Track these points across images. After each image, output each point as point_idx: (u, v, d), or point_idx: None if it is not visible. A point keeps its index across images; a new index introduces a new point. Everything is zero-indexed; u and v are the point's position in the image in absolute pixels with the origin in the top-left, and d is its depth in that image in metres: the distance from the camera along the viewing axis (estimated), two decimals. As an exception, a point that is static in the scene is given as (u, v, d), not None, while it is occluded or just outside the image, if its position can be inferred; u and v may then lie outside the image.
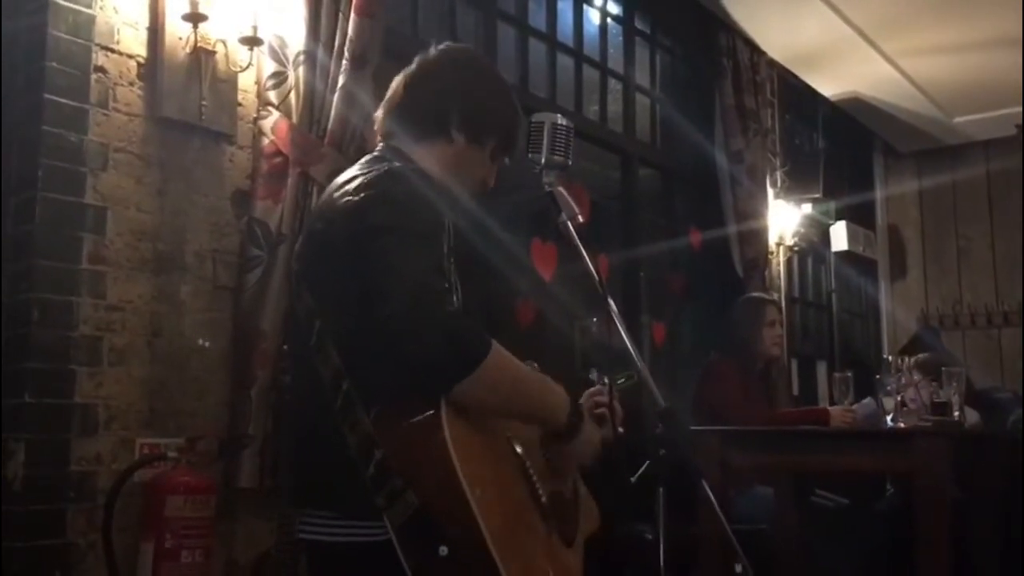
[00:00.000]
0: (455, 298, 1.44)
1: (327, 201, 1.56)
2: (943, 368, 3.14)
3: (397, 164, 1.56)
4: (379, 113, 1.71)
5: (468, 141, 1.66)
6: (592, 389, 1.83)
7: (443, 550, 1.30)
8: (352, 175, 1.56)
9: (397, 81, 1.70)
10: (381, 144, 1.69)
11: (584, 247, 1.60)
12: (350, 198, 1.49)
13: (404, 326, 1.33)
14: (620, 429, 1.70)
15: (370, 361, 1.39)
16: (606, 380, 1.81)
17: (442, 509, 1.31)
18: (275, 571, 2.45)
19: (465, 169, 1.68)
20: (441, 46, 1.73)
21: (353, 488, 1.36)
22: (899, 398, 3.02)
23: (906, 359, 3.19)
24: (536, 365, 1.67)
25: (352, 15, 2.95)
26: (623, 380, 1.81)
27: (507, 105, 1.72)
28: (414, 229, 1.43)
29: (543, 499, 1.56)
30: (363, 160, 1.63)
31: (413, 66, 1.70)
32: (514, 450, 1.55)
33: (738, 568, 1.46)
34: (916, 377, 3.10)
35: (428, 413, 1.36)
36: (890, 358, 3.20)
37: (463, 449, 1.34)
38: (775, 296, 5.00)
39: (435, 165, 1.64)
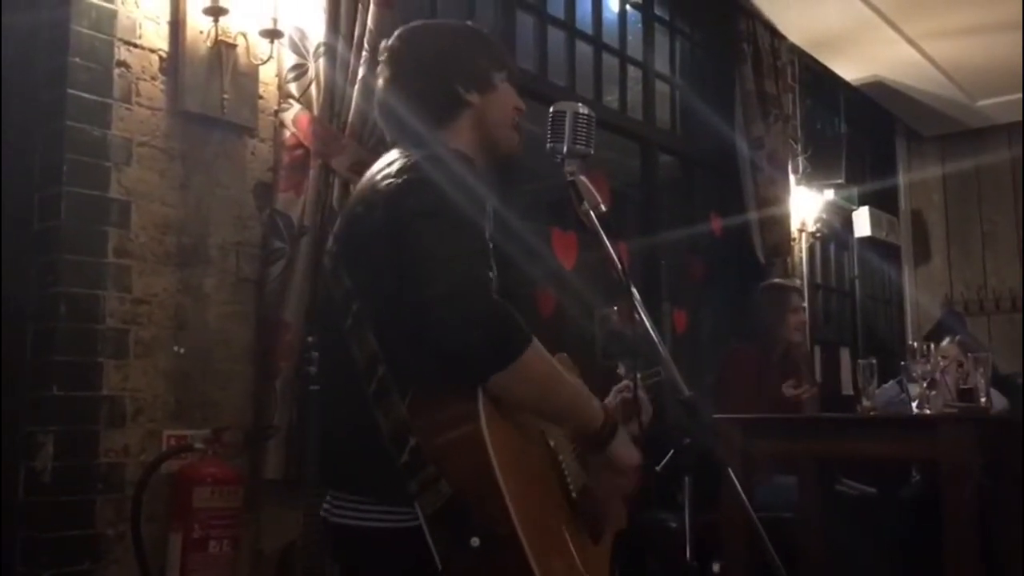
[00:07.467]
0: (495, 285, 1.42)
1: (368, 184, 1.54)
2: (969, 353, 3.11)
3: (438, 149, 1.54)
4: (386, 130, 1.66)
5: (483, 93, 1.64)
6: (620, 384, 1.83)
7: (475, 541, 1.29)
8: (392, 158, 1.54)
9: (382, 95, 1.65)
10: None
11: (607, 236, 1.59)
12: (392, 180, 1.47)
13: (445, 313, 1.32)
14: (644, 418, 1.69)
15: (407, 346, 1.37)
16: (635, 375, 1.81)
17: (475, 500, 1.30)
18: (302, 561, 2.47)
19: (498, 115, 1.66)
20: (388, 42, 1.67)
21: (385, 473, 1.35)
22: (925, 384, 2.99)
23: (931, 345, 3.15)
24: (566, 355, 1.67)
25: (371, 6, 2.96)
26: (649, 376, 1.81)
27: (481, 39, 1.70)
28: (458, 214, 1.41)
29: (573, 494, 1.56)
30: (400, 146, 1.60)
31: (388, 72, 1.64)
32: (547, 443, 1.55)
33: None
34: (943, 362, 3.07)
35: (465, 403, 1.34)
36: (915, 344, 3.17)
37: (499, 441, 1.33)
38: (796, 282, 4.98)
39: (470, 136, 1.62)
